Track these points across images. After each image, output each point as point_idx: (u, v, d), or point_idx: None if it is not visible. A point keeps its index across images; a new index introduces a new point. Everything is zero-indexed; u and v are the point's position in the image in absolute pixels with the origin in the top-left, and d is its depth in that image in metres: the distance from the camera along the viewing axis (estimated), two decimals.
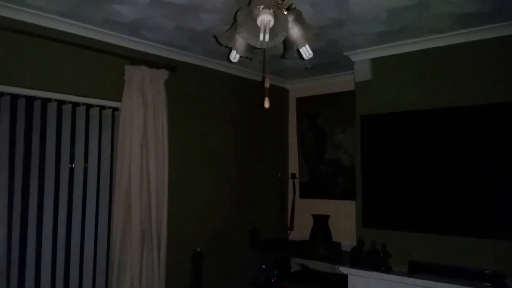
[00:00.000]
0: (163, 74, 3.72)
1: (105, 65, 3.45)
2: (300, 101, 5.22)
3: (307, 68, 4.62)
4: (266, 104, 1.93)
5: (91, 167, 3.37)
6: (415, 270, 3.46)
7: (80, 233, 3.29)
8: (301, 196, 5.08)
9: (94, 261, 3.38)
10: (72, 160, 3.29)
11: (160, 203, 3.56)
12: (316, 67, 4.57)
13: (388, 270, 3.56)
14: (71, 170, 3.28)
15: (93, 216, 3.36)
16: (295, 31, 1.80)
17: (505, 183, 3.21)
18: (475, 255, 3.29)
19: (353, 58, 4.11)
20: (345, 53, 4.07)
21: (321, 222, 4.52)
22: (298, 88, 5.23)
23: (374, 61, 3.99)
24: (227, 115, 4.50)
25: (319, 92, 5.03)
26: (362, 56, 4.03)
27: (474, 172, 3.36)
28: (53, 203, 3.14)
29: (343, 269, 3.77)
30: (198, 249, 3.90)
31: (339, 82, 4.78)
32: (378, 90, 3.96)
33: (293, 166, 5.21)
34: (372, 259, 3.65)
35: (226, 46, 1.85)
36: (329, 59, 4.26)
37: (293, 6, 1.75)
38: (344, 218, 4.53)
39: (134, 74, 3.51)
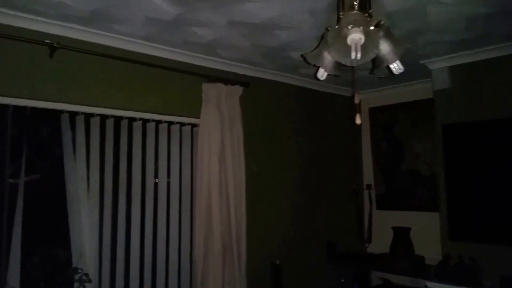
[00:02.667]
0: (238, 90, 3.84)
1: (183, 84, 3.61)
2: (373, 111, 5.15)
3: (380, 78, 4.56)
4: (358, 121, 1.95)
5: (173, 181, 3.52)
6: (508, 285, 3.30)
7: (165, 247, 3.44)
8: (378, 208, 4.99)
9: (178, 274, 3.50)
10: (156, 175, 3.45)
11: (239, 217, 3.66)
12: (389, 77, 4.50)
13: (478, 285, 3.42)
14: (156, 185, 3.45)
15: (176, 229, 3.50)
16: (384, 47, 1.81)
17: None
18: None
19: (430, 66, 4.03)
20: (421, 62, 4.00)
21: (402, 234, 4.39)
22: (370, 98, 5.16)
23: (453, 69, 3.90)
24: (298, 127, 4.54)
25: (393, 101, 4.95)
26: (440, 64, 3.95)
27: None
28: (140, 216, 3.31)
29: (430, 284, 3.64)
30: (278, 262, 3.94)
31: (414, 91, 4.70)
32: (458, 98, 3.86)
33: (368, 177, 5.14)
34: (461, 274, 3.51)
35: (314, 65, 1.89)
36: (404, 68, 4.15)
37: (382, 22, 1.76)
38: (426, 231, 4.37)
39: (210, 91, 3.65)
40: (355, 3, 1.73)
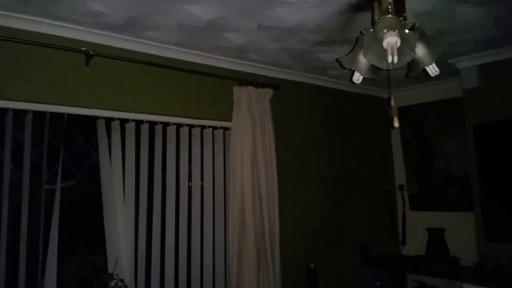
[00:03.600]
0: (268, 92, 3.87)
1: (215, 88, 3.67)
2: (403, 110, 5.09)
3: (408, 77, 4.50)
4: (396, 124, 1.97)
5: (207, 185, 3.56)
6: None
7: (199, 251, 3.47)
8: (411, 209, 4.93)
9: (213, 278, 3.52)
10: (190, 179, 3.51)
11: (272, 220, 3.67)
12: (418, 75, 4.41)
13: None
14: (189, 189, 3.49)
15: (210, 233, 3.53)
16: (419, 50, 1.81)
17: None
18: None
19: (459, 65, 4.00)
20: (449, 61, 3.98)
21: (436, 236, 4.32)
22: (399, 97, 5.11)
23: (481, 67, 3.88)
24: (328, 128, 4.53)
25: (422, 100, 4.90)
26: (468, 63, 3.93)
27: None
28: (174, 221, 3.35)
29: (467, 286, 3.59)
30: (312, 266, 3.94)
31: (444, 89, 4.65)
32: (488, 97, 3.83)
33: (400, 177, 5.09)
34: (498, 276, 3.45)
35: (349, 69, 1.90)
36: None
37: (417, 25, 1.76)
38: (460, 232, 4.33)
39: (241, 94, 3.69)
40: (390, 6, 1.74)
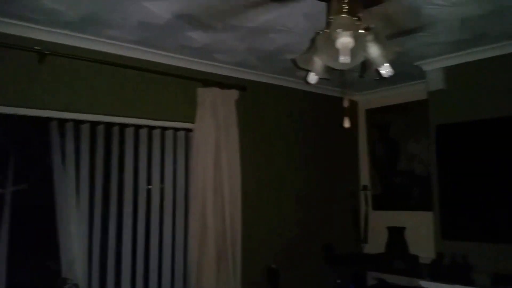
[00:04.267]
0: (234, 94, 3.71)
1: (178, 89, 3.48)
2: (370, 112, 5.03)
3: (376, 80, 4.46)
4: (347, 124, 1.86)
5: (167, 188, 3.39)
6: (499, 283, 3.20)
7: (158, 254, 3.31)
8: (374, 208, 4.85)
9: (171, 281, 3.36)
10: (149, 182, 3.32)
11: (234, 222, 3.51)
12: (385, 78, 4.41)
13: (470, 283, 3.30)
14: (148, 192, 3.31)
15: (170, 236, 3.37)
16: (374, 51, 1.71)
17: None
18: None
19: (425, 68, 3.90)
20: (415, 63, 3.87)
21: (396, 234, 4.29)
22: (367, 100, 5.03)
23: (447, 70, 3.79)
24: (296, 130, 4.38)
25: (389, 103, 4.80)
26: (434, 65, 3.83)
27: None
28: (131, 224, 3.17)
29: (424, 283, 3.52)
30: (274, 266, 3.83)
31: (410, 92, 4.55)
32: (453, 99, 3.74)
33: (364, 178, 5.01)
34: (454, 272, 3.42)
35: (304, 69, 1.81)
36: (399, 69, 4.02)
37: (371, 26, 1.68)
38: (420, 230, 4.25)
39: (206, 96, 3.52)
40: (344, 6, 1.65)
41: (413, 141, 4.58)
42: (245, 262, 3.62)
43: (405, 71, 4.12)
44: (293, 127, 4.39)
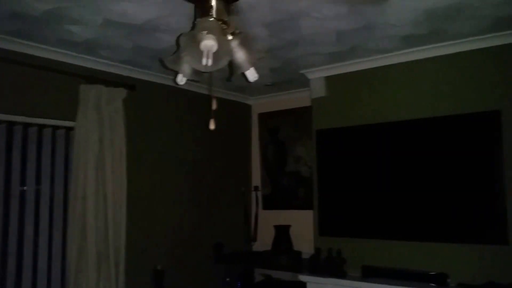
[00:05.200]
0: (121, 92, 3.52)
1: (59, 85, 3.22)
2: (262, 116, 5.13)
3: (267, 85, 4.54)
4: (212, 126, 1.83)
5: (44, 189, 3.13)
6: (368, 274, 3.44)
7: (32, 255, 3.05)
8: (264, 208, 4.95)
9: (48, 285, 3.12)
10: (23, 183, 3.05)
11: (117, 223, 3.33)
12: (275, 84, 4.50)
13: (343, 275, 3.51)
14: (22, 193, 3.03)
15: (46, 241, 3.13)
16: (240, 55, 1.69)
17: (446, 191, 3.27)
18: (421, 258, 3.34)
19: (309, 76, 4.04)
20: (301, 71, 4.00)
21: (282, 232, 4.40)
22: (260, 104, 5.14)
23: (329, 79, 3.95)
24: (188, 131, 4.31)
25: (279, 108, 4.94)
26: (317, 74, 3.98)
27: (418, 181, 3.41)
28: (2, 227, 2.89)
29: (302, 277, 3.68)
30: (159, 267, 3.69)
31: (299, 98, 4.70)
32: (333, 106, 3.92)
33: (256, 179, 5.09)
34: (329, 266, 3.59)
35: (172, 70, 1.73)
36: (287, 76, 4.19)
37: (238, 31, 1.65)
38: (304, 228, 4.39)
39: (89, 93, 3.30)
40: (212, 10, 1.60)
41: (300, 144, 4.75)
42: (131, 264, 3.47)
43: (293, 78, 4.24)
44: (185, 128, 4.30)
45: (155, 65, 3.68)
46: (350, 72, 3.82)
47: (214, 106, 1.81)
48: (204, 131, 4.40)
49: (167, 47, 3.21)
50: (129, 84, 3.64)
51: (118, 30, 2.87)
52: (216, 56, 1.50)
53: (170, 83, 4.11)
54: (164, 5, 2.48)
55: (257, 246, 4.81)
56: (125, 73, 3.71)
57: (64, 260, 3.17)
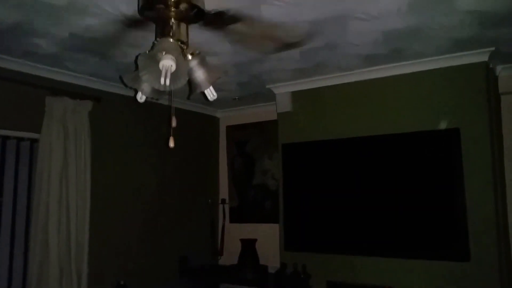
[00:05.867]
0: (87, 105, 3.59)
1: (24, 96, 3.27)
2: (230, 129, 5.24)
3: (234, 99, 4.66)
4: (171, 144, 1.91)
5: (6, 201, 3.15)
6: None
7: None
8: (231, 221, 5.03)
9: None
10: None
11: (80, 237, 3.37)
12: (242, 98, 4.62)
13: None
14: None
15: (7, 252, 3.13)
16: (199, 75, 1.80)
17: (408, 207, 3.39)
18: (385, 274, 3.44)
19: (275, 91, 4.19)
20: (267, 86, 4.14)
21: (248, 246, 4.48)
22: (228, 117, 5.25)
23: (294, 94, 4.09)
24: (154, 143, 4.36)
25: (247, 121, 5.07)
26: (283, 89, 4.13)
27: (381, 197, 3.52)
28: None
29: None
30: (122, 282, 3.70)
31: (266, 112, 4.84)
32: (298, 121, 4.07)
33: (224, 191, 5.18)
34: (294, 281, 3.68)
35: (131, 88, 1.83)
36: (254, 90, 4.32)
37: (197, 51, 1.77)
38: (270, 242, 4.49)
39: (55, 105, 3.35)
40: (171, 30, 1.71)
41: (267, 158, 4.87)
42: (93, 279, 3.50)
43: (260, 92, 4.37)
44: (151, 140, 4.35)
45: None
46: (315, 88, 3.98)
47: (173, 123, 1.90)
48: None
49: (132, 61, 3.28)
50: (95, 96, 3.69)
51: (83, 43, 2.93)
52: (175, 75, 1.60)
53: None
54: (130, 21, 2.57)
55: (223, 260, 4.88)
56: (90, 85, 3.77)
57: (26, 274, 3.18)
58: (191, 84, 1.81)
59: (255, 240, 4.50)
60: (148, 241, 4.21)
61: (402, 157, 3.49)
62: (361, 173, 3.64)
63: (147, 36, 2.78)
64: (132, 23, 2.56)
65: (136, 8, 1.84)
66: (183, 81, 1.64)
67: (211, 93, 1.91)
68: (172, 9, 1.74)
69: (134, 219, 4.09)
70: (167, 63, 1.58)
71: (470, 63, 3.28)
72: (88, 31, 2.73)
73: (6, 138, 3.19)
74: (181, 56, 1.65)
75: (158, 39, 1.71)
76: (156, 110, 4.41)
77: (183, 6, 1.74)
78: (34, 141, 3.34)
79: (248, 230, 4.82)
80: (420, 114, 3.46)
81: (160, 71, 1.59)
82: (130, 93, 4.10)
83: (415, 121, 3.46)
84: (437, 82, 3.42)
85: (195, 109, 4.90)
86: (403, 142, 3.49)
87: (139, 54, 1.67)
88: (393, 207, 3.45)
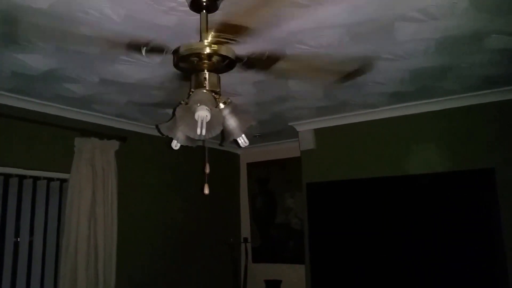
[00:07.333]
0: (114, 144, 3.82)
1: (54, 138, 3.52)
2: (251, 166, 5.38)
3: (255, 136, 4.82)
4: (206, 191, 2.06)
5: (36, 240, 3.35)
6: None
7: None
8: (254, 261, 5.12)
9: None
10: (17, 234, 3.26)
11: (107, 276, 3.55)
12: (264, 135, 4.78)
13: None
14: (16, 244, 3.24)
15: None
16: (231, 123, 1.97)
17: (441, 250, 3.38)
18: None
19: (298, 128, 4.34)
20: (290, 124, 4.32)
21: (273, 287, 4.53)
22: (248, 154, 5.41)
23: (317, 132, 4.23)
24: (177, 181, 4.57)
25: (268, 158, 5.23)
26: (306, 127, 4.27)
27: (412, 238, 3.54)
28: None
29: None
30: None
31: (287, 149, 4.99)
32: (322, 159, 4.19)
33: (245, 230, 5.28)
34: None
35: (167, 136, 1.99)
36: (276, 128, 4.49)
37: (229, 100, 1.93)
38: (295, 283, 4.56)
39: (84, 146, 3.59)
40: (205, 82, 1.89)
41: (289, 196, 4.97)
42: None
43: (282, 130, 4.53)
44: (175, 179, 4.54)
45: (145, 117, 3.98)
46: (339, 125, 4.11)
47: (207, 170, 2.04)
48: (192, 180, 4.69)
49: (158, 102, 3.50)
50: (121, 136, 3.90)
51: (114, 87, 3.15)
52: (210, 125, 1.76)
53: (159, 134, 4.37)
54: (158, 67, 2.77)
55: None
56: (117, 125, 4.01)
57: None
58: (223, 131, 1.96)
59: (280, 281, 4.57)
60: (174, 279, 4.33)
61: (433, 198, 3.50)
62: (391, 214, 3.67)
63: (173, 79, 2.98)
64: (159, 69, 2.75)
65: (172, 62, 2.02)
66: (217, 130, 1.80)
67: (243, 140, 2.05)
68: (205, 61, 1.91)
69: (157, 258, 4.25)
70: (202, 114, 1.74)
71: (503, 100, 3.32)
72: (118, 76, 2.94)
73: (37, 178, 3.42)
74: (216, 106, 1.81)
75: (193, 90, 1.88)
76: (179, 149, 4.60)
77: (215, 58, 1.91)
78: (63, 181, 3.56)
79: (271, 270, 4.90)
80: (451, 153, 3.48)
81: (195, 122, 1.74)
82: (154, 132, 4.33)
83: (445, 160, 3.48)
84: (469, 119, 3.45)
85: (215, 146, 5.05)
86: (433, 182, 3.51)
87: (178, 105, 1.83)
88: (426, 249, 3.45)
